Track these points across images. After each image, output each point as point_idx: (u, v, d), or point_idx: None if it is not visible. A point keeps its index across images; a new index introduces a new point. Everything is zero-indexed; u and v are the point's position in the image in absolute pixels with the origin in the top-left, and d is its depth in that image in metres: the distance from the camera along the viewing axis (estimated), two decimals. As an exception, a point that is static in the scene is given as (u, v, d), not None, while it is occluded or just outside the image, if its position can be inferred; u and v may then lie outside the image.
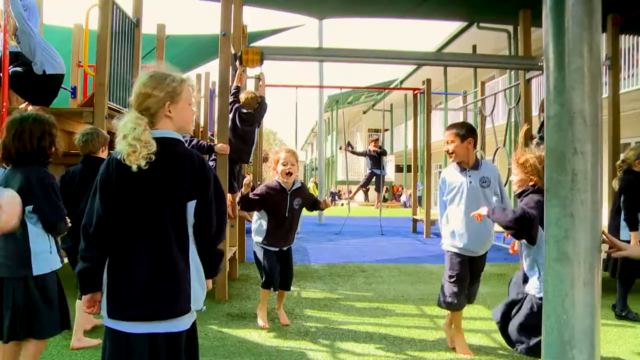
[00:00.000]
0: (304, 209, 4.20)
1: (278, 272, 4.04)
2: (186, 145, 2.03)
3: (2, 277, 2.53)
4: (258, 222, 4.06)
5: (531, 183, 2.90)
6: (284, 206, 3.94)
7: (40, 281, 2.57)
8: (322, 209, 4.37)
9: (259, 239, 4.02)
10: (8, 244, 2.53)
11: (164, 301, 1.79)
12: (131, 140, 1.79)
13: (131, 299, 1.80)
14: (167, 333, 1.81)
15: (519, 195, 2.95)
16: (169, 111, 1.90)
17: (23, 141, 2.54)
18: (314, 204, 4.27)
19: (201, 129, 9.20)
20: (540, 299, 2.74)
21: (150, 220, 1.83)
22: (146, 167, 1.79)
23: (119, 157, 1.83)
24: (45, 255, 2.60)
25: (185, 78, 1.97)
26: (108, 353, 1.83)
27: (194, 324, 1.95)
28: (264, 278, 4.04)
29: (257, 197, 3.95)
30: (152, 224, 1.83)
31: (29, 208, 2.52)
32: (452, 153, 3.45)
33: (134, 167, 1.79)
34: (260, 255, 4.07)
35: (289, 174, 3.94)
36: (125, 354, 1.80)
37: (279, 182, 3.97)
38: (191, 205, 1.87)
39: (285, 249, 4.11)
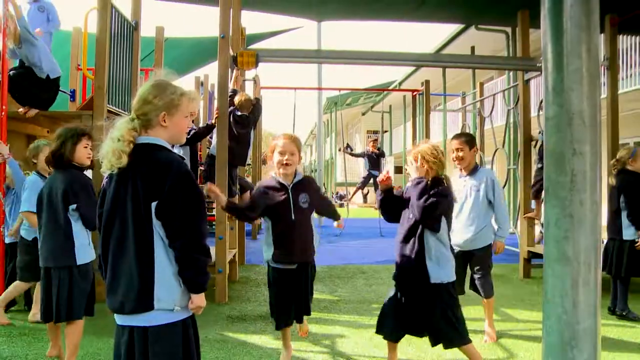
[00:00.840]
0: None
1: (290, 306, 3.18)
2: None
3: (49, 266, 3.10)
4: (265, 234, 3.26)
5: (428, 174, 2.96)
6: (287, 206, 3.11)
7: (83, 269, 3.12)
8: (338, 221, 3.52)
9: (268, 255, 3.17)
10: (55, 238, 3.11)
11: (123, 296, 1.92)
12: (109, 147, 1.93)
13: (107, 291, 1.99)
14: (139, 327, 1.92)
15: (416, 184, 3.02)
16: (164, 121, 2.00)
17: (57, 147, 3.12)
18: (329, 209, 3.48)
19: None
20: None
21: (117, 219, 1.96)
22: (116, 171, 1.94)
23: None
24: (86, 247, 3.16)
25: (186, 92, 2.06)
26: (114, 338, 2.04)
27: (181, 325, 1.96)
28: (273, 316, 3.24)
29: (252, 202, 3.24)
30: (118, 223, 1.96)
31: (73, 206, 3.09)
32: (462, 159, 3.85)
33: (105, 172, 1.97)
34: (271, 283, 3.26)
35: (287, 165, 3.13)
36: (118, 342, 1.99)
37: (274, 178, 3.22)
38: (155, 206, 1.91)
39: (302, 268, 3.20)
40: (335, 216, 3.48)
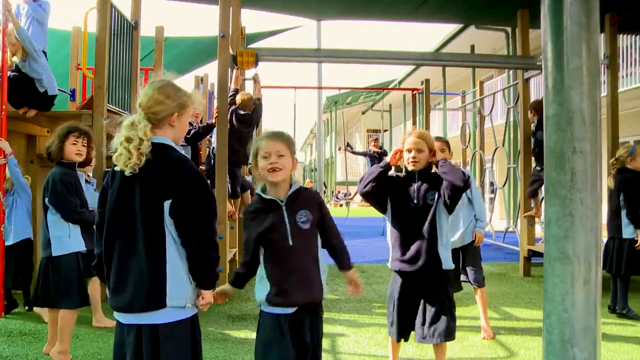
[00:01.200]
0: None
1: None
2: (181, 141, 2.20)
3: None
4: (260, 267, 2.31)
5: (441, 156, 3.02)
6: (282, 228, 2.24)
7: (57, 261, 3.20)
8: (349, 281, 2.40)
9: (262, 295, 2.24)
10: (41, 231, 3.30)
11: (133, 294, 1.91)
12: (132, 148, 1.90)
13: (112, 290, 1.98)
14: (148, 325, 1.92)
15: (423, 171, 2.95)
16: (174, 121, 2.03)
17: (49, 145, 3.27)
18: (335, 242, 2.37)
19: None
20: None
21: (124, 218, 1.96)
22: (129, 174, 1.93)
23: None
24: (64, 240, 3.23)
25: (193, 94, 2.13)
26: (114, 339, 2.03)
27: (190, 322, 1.98)
28: None
29: (249, 250, 2.30)
30: (125, 222, 1.96)
31: (46, 200, 3.22)
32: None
33: (117, 169, 1.94)
34: (260, 335, 2.29)
35: (274, 170, 2.24)
36: (121, 341, 1.98)
37: (260, 195, 2.30)
38: (168, 205, 1.92)
39: (305, 313, 2.23)
40: (344, 260, 2.38)
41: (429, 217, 2.86)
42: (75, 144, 3.28)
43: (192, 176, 1.96)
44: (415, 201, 2.90)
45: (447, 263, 2.88)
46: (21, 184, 4.37)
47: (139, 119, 1.96)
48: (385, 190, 2.99)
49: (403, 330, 2.95)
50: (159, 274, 1.90)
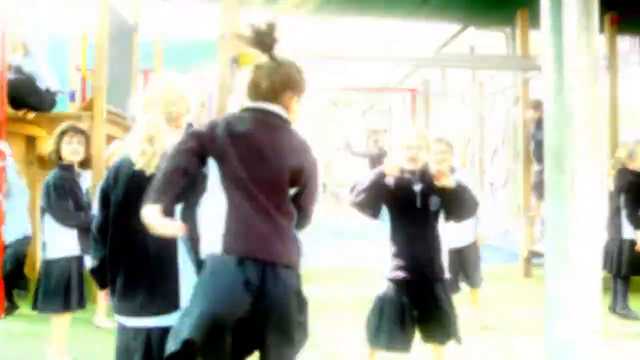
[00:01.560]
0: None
1: None
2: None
3: None
4: None
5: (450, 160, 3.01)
6: None
7: (49, 264, 3.22)
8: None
9: None
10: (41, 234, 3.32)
11: (146, 298, 1.88)
12: (158, 149, 1.88)
13: (121, 295, 1.92)
14: (158, 328, 1.88)
15: (422, 172, 2.79)
16: (181, 123, 2.02)
17: (50, 146, 3.28)
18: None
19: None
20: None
21: (133, 221, 1.89)
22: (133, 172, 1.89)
23: (119, 162, 1.97)
24: (57, 243, 3.23)
25: (192, 96, 2.11)
26: (116, 343, 1.98)
27: None
28: None
29: None
30: (135, 224, 1.88)
31: (41, 203, 3.26)
32: (445, 161, 3.66)
33: (137, 167, 1.88)
34: None
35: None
36: (125, 346, 1.93)
37: None
38: (179, 207, 1.90)
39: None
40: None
41: (433, 225, 2.73)
42: (70, 143, 3.24)
43: (203, 179, 1.94)
44: (418, 205, 2.71)
45: (445, 272, 2.81)
46: (16, 185, 4.34)
47: (161, 119, 1.93)
48: (379, 197, 2.76)
49: (399, 341, 2.79)
50: (174, 277, 1.88)
